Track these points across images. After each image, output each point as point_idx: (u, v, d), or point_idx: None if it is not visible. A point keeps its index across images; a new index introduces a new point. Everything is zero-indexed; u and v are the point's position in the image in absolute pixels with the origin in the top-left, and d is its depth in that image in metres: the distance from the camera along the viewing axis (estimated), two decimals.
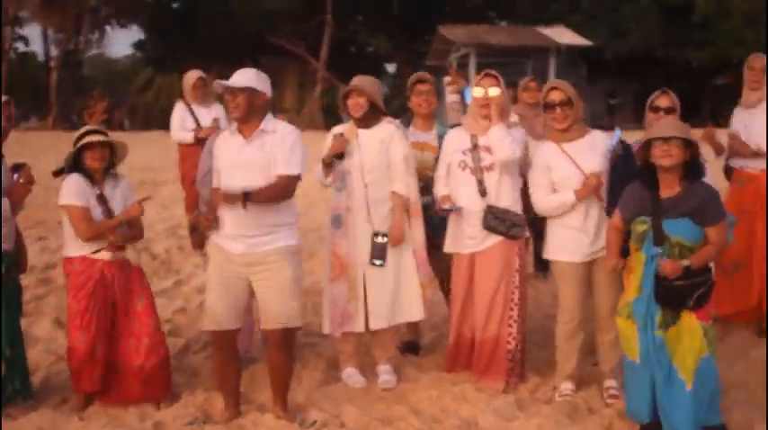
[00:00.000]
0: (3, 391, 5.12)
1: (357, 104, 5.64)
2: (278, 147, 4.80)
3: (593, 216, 5.23)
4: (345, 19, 34.15)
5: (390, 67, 48.79)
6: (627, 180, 4.92)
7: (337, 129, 5.76)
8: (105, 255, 5.22)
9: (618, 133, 5.31)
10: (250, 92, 4.79)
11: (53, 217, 11.14)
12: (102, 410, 5.25)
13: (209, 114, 8.15)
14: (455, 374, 5.67)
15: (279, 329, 4.86)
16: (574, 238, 5.27)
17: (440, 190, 5.70)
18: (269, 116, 4.90)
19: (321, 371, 5.85)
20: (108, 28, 48.94)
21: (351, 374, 5.67)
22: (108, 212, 5.20)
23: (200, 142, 8.23)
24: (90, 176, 5.24)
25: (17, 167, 5.23)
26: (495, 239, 5.49)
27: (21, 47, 50.30)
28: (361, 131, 5.67)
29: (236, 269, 4.84)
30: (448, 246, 5.73)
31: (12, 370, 5.19)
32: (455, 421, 4.96)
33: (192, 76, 8.11)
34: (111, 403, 5.32)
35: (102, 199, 5.21)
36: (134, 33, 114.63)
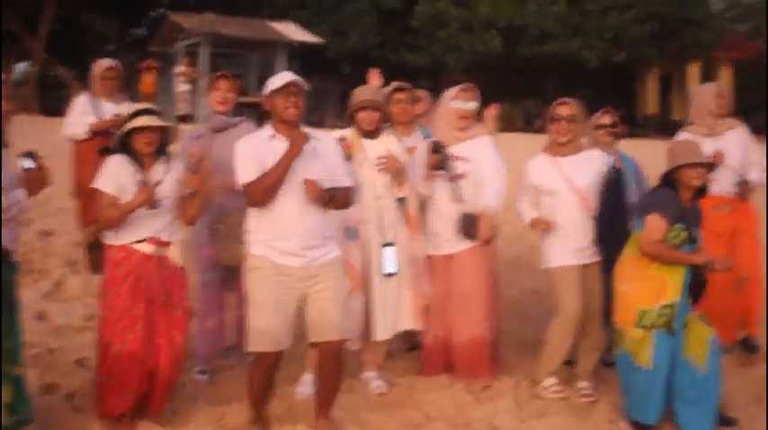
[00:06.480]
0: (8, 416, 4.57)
1: (371, 118, 5.64)
2: (332, 157, 4.80)
3: (582, 224, 5.72)
4: None
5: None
6: (616, 203, 5.62)
7: (338, 134, 5.65)
8: (145, 248, 4.89)
9: (612, 159, 5.88)
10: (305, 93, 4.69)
11: None
12: None
13: (116, 111, 7.29)
14: (432, 377, 5.93)
15: (338, 341, 4.75)
16: (569, 243, 5.72)
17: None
18: None
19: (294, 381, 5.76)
20: None
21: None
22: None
23: (96, 137, 7.46)
24: (137, 159, 4.88)
25: (32, 155, 4.47)
26: (469, 242, 5.85)
27: None
28: (367, 142, 5.69)
29: (292, 285, 4.64)
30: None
31: (20, 393, 4.61)
32: (478, 424, 5.22)
33: (102, 64, 7.26)
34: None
35: (143, 185, 4.82)
36: None
